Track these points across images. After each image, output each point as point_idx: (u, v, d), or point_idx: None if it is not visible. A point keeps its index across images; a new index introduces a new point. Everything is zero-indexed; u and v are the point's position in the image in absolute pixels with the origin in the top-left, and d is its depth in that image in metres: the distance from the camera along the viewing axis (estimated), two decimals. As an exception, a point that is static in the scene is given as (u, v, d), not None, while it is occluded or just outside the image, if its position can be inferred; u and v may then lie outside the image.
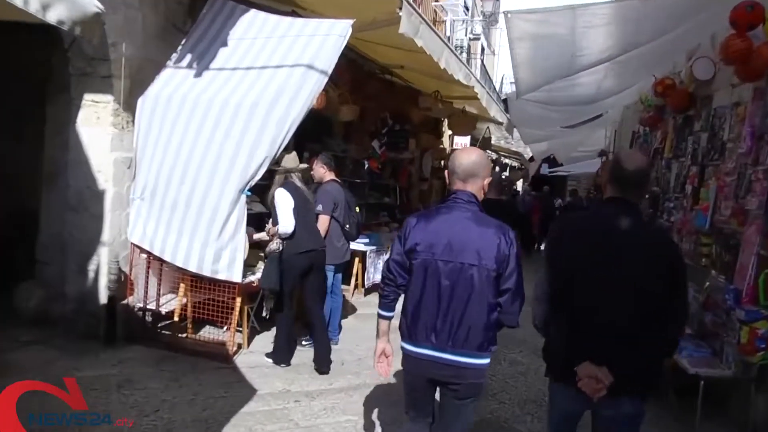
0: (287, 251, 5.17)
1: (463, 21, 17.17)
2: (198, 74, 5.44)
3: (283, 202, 5.17)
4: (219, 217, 5.07)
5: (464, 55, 16.26)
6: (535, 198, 18.06)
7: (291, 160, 5.39)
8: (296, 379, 5.02)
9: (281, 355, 5.30)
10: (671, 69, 7.00)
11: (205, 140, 5.16)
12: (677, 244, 3.24)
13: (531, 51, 6.04)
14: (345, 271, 6.65)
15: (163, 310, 5.58)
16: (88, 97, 5.46)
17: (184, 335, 5.61)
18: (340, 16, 5.39)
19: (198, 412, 4.22)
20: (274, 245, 5.22)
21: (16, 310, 5.70)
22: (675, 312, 2.61)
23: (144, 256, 5.50)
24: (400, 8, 5.17)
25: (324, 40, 5.28)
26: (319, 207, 5.64)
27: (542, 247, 16.19)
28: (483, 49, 21.19)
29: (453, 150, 14.90)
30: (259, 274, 5.58)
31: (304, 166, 5.68)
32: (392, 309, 2.93)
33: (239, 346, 5.54)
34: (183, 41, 5.70)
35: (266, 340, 5.77)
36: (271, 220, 5.41)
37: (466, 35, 17.91)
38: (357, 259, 8.17)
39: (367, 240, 8.29)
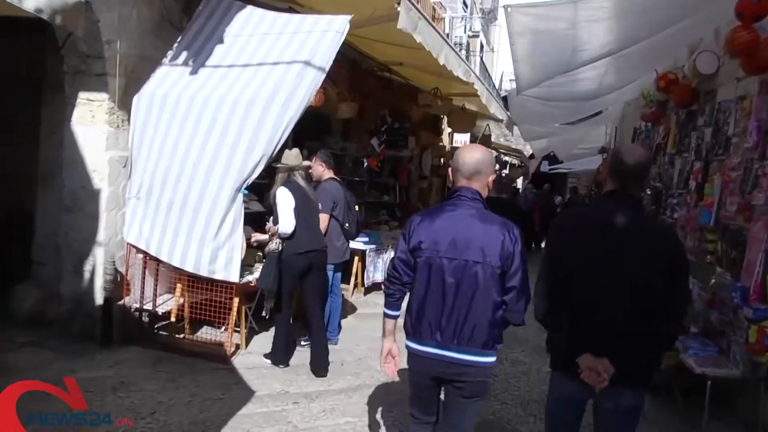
0: (287, 251, 5.09)
1: (462, 18, 17.09)
2: (194, 72, 5.36)
3: (284, 201, 5.08)
4: (216, 216, 5.00)
5: (463, 52, 16.18)
6: (536, 195, 17.99)
7: (294, 158, 5.30)
8: (295, 380, 4.94)
9: (280, 355, 5.22)
10: (673, 64, 6.93)
11: (201, 138, 5.08)
12: (681, 241, 3.19)
13: (531, 46, 5.96)
14: (344, 270, 6.57)
15: (160, 310, 5.50)
16: (82, 96, 5.38)
17: (182, 336, 5.53)
18: (337, 13, 5.31)
19: (195, 414, 4.14)
20: (273, 245, 5.14)
21: (12, 311, 5.65)
22: (676, 309, 2.63)
23: (140, 256, 5.42)
24: (399, 3, 5.11)
25: (321, 36, 5.20)
26: (318, 206, 5.56)
27: (543, 245, 16.15)
28: (482, 47, 21.13)
29: (453, 148, 14.86)
30: (257, 274, 5.50)
31: (307, 163, 5.61)
32: (398, 308, 2.90)
33: (237, 347, 5.47)
34: (179, 38, 5.62)
35: (265, 340, 5.69)
36: (271, 219, 5.32)
37: (465, 32, 17.84)
38: (356, 258, 8.09)
39: (366, 239, 8.21)
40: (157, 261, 5.34)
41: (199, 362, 5.08)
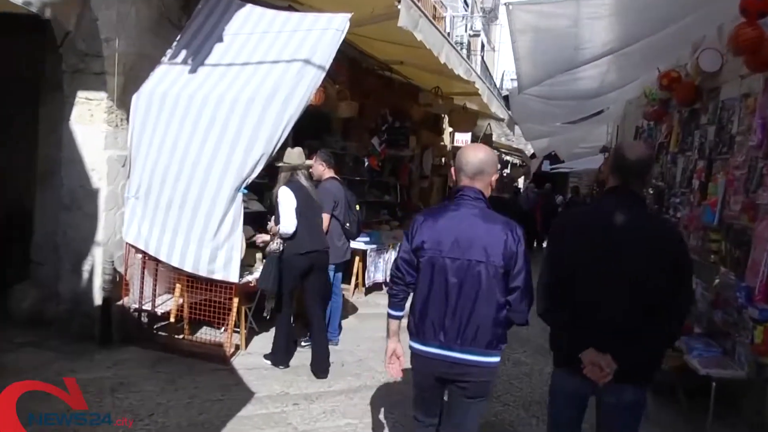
0: (287, 251, 5.04)
1: (463, 17, 17.04)
2: (193, 70, 5.32)
3: (286, 201, 5.03)
4: (215, 215, 4.96)
5: (464, 51, 16.13)
6: (538, 195, 17.96)
7: (296, 157, 5.23)
8: (295, 381, 4.90)
9: (280, 356, 5.18)
10: (675, 62, 6.88)
11: (200, 137, 5.04)
12: (683, 239, 3.16)
13: (533, 44, 5.91)
14: (345, 270, 6.53)
15: (159, 310, 5.47)
16: (81, 95, 5.35)
17: (181, 336, 5.49)
18: (337, 11, 5.27)
19: (194, 415, 4.10)
20: (274, 245, 5.10)
21: (10, 311, 5.61)
22: (678, 307, 2.64)
23: (139, 255, 5.39)
24: (399, 1, 5.07)
25: (321, 34, 5.17)
26: (321, 206, 5.50)
27: (544, 244, 16.11)
28: (483, 46, 21.07)
29: (454, 147, 14.80)
30: (256, 274, 5.46)
31: (310, 162, 5.56)
32: (402, 308, 2.89)
33: (237, 348, 5.43)
34: (178, 37, 5.58)
35: (265, 340, 5.64)
36: (273, 218, 5.27)
37: (466, 31, 17.79)
38: (357, 258, 8.04)
39: (367, 238, 8.16)
40: (156, 261, 5.30)
41: (199, 363, 5.04)
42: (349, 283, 7.95)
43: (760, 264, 4.21)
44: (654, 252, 2.59)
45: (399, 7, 5.04)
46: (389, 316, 2.90)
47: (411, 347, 2.82)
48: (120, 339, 5.31)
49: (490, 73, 21.84)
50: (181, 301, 5.42)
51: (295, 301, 5.37)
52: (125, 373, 4.71)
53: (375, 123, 10.73)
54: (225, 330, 5.36)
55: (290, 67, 5.04)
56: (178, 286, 5.38)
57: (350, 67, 8.67)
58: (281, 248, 5.05)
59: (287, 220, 4.98)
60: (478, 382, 2.76)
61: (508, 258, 2.66)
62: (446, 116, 13.46)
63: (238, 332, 5.48)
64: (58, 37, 5.17)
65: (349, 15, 5.15)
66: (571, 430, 2.86)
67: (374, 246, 8.34)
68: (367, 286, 8.33)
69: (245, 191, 5.10)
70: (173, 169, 5.10)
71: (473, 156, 2.80)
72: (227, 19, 5.52)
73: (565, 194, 23.15)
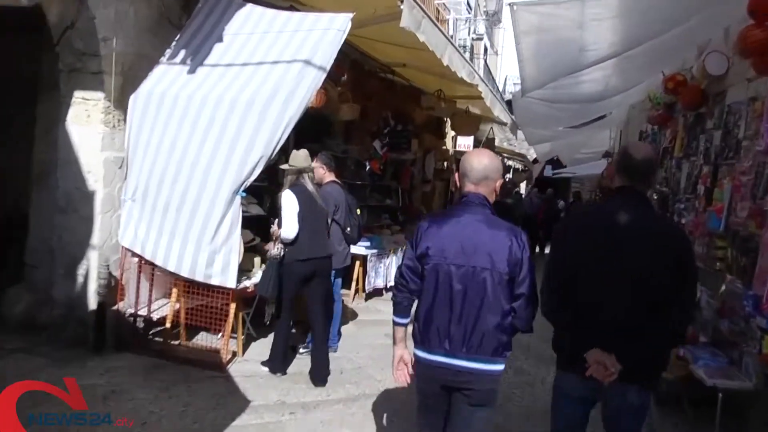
0: (288, 257, 4.95)
1: (466, 20, 16.98)
2: (192, 71, 5.26)
3: (288, 205, 4.93)
4: (213, 219, 4.88)
5: (467, 54, 16.05)
6: (542, 200, 17.91)
7: (302, 159, 5.13)
8: (292, 390, 4.80)
9: (277, 363, 5.08)
10: (680, 65, 6.79)
11: (198, 139, 4.97)
12: (687, 238, 3.11)
13: (537, 46, 5.81)
14: (345, 275, 6.44)
15: (155, 316, 5.38)
16: (78, 95, 5.28)
17: (177, 342, 5.39)
18: (339, 11, 5.20)
19: (188, 424, 4.01)
20: (275, 250, 5.01)
21: (3, 315, 5.53)
22: (683, 303, 2.62)
23: (135, 259, 5.30)
24: (402, 1, 4.97)
25: (322, 34, 5.09)
26: (326, 211, 5.41)
27: (546, 250, 16.01)
28: (486, 50, 21.02)
29: (456, 151, 14.73)
30: (255, 279, 5.37)
31: (316, 164, 5.47)
32: (407, 315, 2.87)
33: (234, 354, 5.33)
34: (177, 36, 5.51)
35: (263, 347, 5.54)
36: (276, 222, 5.17)
37: (468, 35, 17.73)
38: (358, 263, 7.95)
39: (368, 243, 8.08)
40: (153, 265, 5.22)
41: (194, 370, 4.95)
42: (349, 288, 7.86)
43: (768, 272, 4.10)
44: (657, 248, 2.60)
45: (401, 7, 4.95)
46: (394, 323, 2.87)
47: (415, 355, 2.81)
48: (114, 345, 5.21)
49: (492, 77, 21.78)
50: (177, 306, 5.34)
51: (296, 307, 5.26)
52: (118, 380, 4.61)
53: (377, 126, 10.65)
54: (222, 336, 5.26)
55: (291, 67, 4.96)
56: (174, 290, 5.30)
57: (352, 69, 8.58)
58: (282, 253, 4.96)
59: (288, 225, 4.89)
60: (483, 389, 2.73)
61: (513, 265, 2.64)
62: (449, 120, 13.39)
63: (235, 338, 5.38)
64: (54, 35, 5.10)
65: (350, 15, 5.08)
66: None
67: (375, 251, 8.25)
68: (367, 291, 8.23)
69: (244, 194, 5.01)
70: (171, 170, 5.03)
71: (477, 162, 2.79)
72: (227, 18, 5.46)
73: (567, 199, 23.05)
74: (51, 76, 5.45)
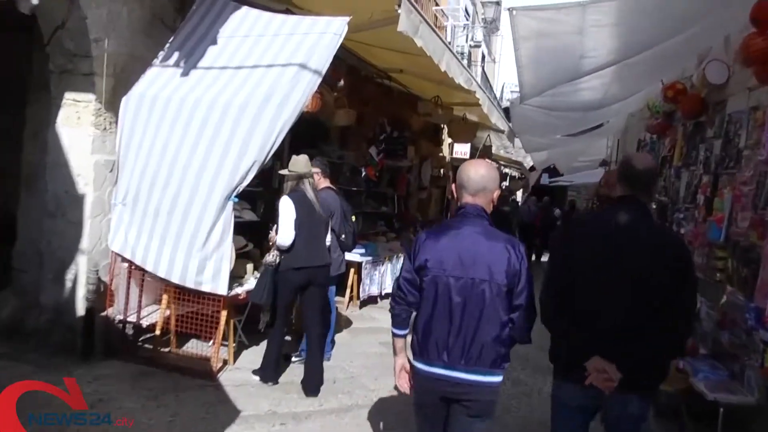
0: (284, 264, 4.86)
1: (464, 27, 16.96)
2: (185, 73, 5.18)
3: (285, 212, 4.84)
4: (204, 224, 4.79)
5: (465, 62, 16.03)
6: (539, 208, 17.88)
7: (303, 165, 5.03)
8: (284, 399, 4.69)
9: (269, 372, 4.97)
10: (680, 74, 6.75)
11: (191, 143, 4.88)
12: (687, 247, 3.16)
13: (536, 52, 5.74)
14: (339, 283, 6.34)
15: (145, 322, 5.27)
16: (68, 96, 5.19)
17: (167, 350, 5.28)
18: (335, 15, 5.14)
19: (175, 435, 3.90)
20: (270, 257, 4.91)
21: (-11, 321, 5.39)
22: (682, 304, 2.62)
23: (125, 265, 5.19)
24: (399, 5, 4.90)
25: (318, 38, 5.02)
26: (324, 218, 5.31)
27: (542, 258, 15.94)
28: (483, 57, 21.01)
29: (453, 158, 14.66)
30: (247, 286, 5.26)
31: (317, 170, 5.38)
32: (405, 327, 2.86)
33: (225, 362, 5.22)
34: (171, 38, 5.43)
35: (255, 355, 5.44)
36: (275, 228, 5.07)
37: (466, 42, 17.71)
38: (352, 270, 7.85)
39: (362, 250, 7.98)
40: (143, 270, 5.11)
41: (184, 378, 4.84)
42: (343, 296, 7.76)
43: (771, 284, 4.02)
44: (657, 249, 2.62)
45: (399, 11, 4.88)
46: (394, 335, 2.87)
47: (414, 367, 2.80)
48: (103, 352, 5.10)
49: (490, 85, 21.79)
50: (168, 312, 5.24)
51: (290, 316, 5.15)
52: (106, 388, 4.50)
53: (373, 132, 10.58)
54: (213, 343, 5.14)
55: (286, 71, 4.89)
56: (165, 297, 5.20)
57: (349, 74, 8.50)
58: (277, 260, 4.86)
59: (284, 232, 4.80)
60: (482, 401, 2.72)
61: (512, 276, 2.64)
62: (446, 127, 13.33)
63: (226, 346, 5.27)
64: (45, 35, 5.01)
65: (347, 19, 5.02)
66: None
67: (370, 258, 8.16)
68: (361, 299, 8.13)
69: (236, 199, 4.92)
70: (162, 173, 4.94)
71: (475, 172, 2.77)
72: (222, 21, 5.39)
73: (563, 208, 23.03)
74: (41, 76, 5.35)
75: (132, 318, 5.23)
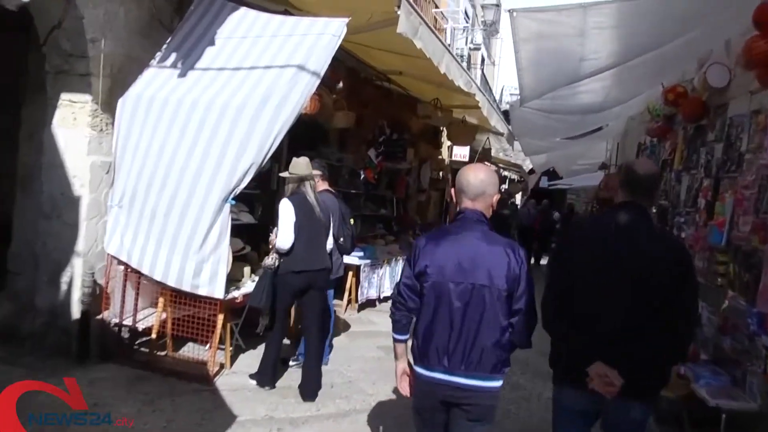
0: (283, 268, 4.82)
1: (464, 30, 16.93)
2: (183, 74, 5.13)
3: (284, 214, 4.79)
4: (201, 227, 4.73)
5: (464, 64, 16.00)
6: (538, 211, 17.85)
7: (304, 167, 4.98)
8: (281, 404, 4.64)
9: (266, 376, 4.92)
10: (680, 77, 6.71)
11: (188, 144, 4.84)
12: (688, 251, 3.08)
13: (536, 54, 5.70)
14: (338, 286, 6.29)
15: (141, 326, 5.21)
16: (64, 97, 5.14)
17: (163, 353, 5.23)
18: (334, 16, 5.09)
19: (170, 441, 3.85)
20: (269, 260, 4.86)
21: (-17, 324, 5.34)
22: (683, 304, 2.61)
23: (121, 267, 5.14)
24: (399, 7, 4.86)
25: (317, 39, 4.98)
26: (325, 222, 5.26)
27: (541, 261, 15.91)
28: (483, 60, 20.99)
29: (452, 161, 14.63)
30: (244, 289, 5.22)
31: (318, 172, 5.33)
32: (406, 332, 2.86)
33: (221, 366, 5.17)
34: (168, 39, 5.39)
35: (252, 359, 5.39)
36: (275, 231, 5.03)
37: (466, 44, 17.69)
38: (351, 274, 7.80)
39: (361, 253, 7.93)
40: (139, 273, 5.06)
41: (180, 383, 4.79)
42: (341, 299, 7.71)
43: (774, 289, 3.98)
44: (657, 252, 2.62)
45: (398, 13, 4.84)
46: (395, 340, 2.88)
47: (414, 372, 2.80)
48: (98, 355, 5.05)
49: (489, 87, 21.75)
50: (164, 316, 5.19)
51: (289, 319, 5.10)
52: (101, 393, 4.44)
53: (372, 134, 10.55)
54: (210, 347, 5.09)
55: (284, 72, 4.85)
56: (161, 300, 5.15)
57: (348, 76, 8.47)
58: (276, 263, 4.81)
59: (284, 235, 4.75)
60: (482, 405, 2.73)
61: (512, 281, 2.63)
62: (445, 129, 13.30)
63: (223, 350, 5.22)
64: (41, 35, 4.96)
65: (346, 20, 4.97)
66: None
67: (368, 261, 8.11)
68: (360, 302, 8.07)
69: (233, 202, 4.87)
70: (159, 174, 4.89)
71: (474, 177, 2.76)
72: (220, 22, 5.35)
73: (562, 211, 23.01)
74: (37, 77, 5.31)
75: (128, 321, 5.18)
